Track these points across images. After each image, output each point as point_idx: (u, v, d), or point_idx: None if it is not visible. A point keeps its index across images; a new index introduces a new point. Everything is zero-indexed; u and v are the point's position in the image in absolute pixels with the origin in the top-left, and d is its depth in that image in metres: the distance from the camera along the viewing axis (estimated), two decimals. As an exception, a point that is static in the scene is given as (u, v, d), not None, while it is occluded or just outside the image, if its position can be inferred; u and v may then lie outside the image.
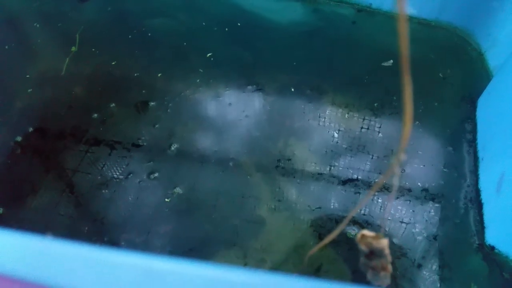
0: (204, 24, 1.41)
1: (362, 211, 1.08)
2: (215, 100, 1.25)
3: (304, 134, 1.19)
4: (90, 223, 1.06)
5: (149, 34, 1.39)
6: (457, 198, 1.09)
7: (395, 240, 1.04)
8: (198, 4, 1.46)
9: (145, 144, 1.17)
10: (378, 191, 1.11)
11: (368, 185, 1.12)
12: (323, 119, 1.22)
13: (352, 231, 1.05)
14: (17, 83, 1.28)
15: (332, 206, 1.08)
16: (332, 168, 1.14)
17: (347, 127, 1.21)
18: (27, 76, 1.29)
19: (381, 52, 1.33)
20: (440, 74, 1.31)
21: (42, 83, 1.28)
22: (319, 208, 1.08)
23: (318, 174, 1.13)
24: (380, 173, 1.13)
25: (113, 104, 1.24)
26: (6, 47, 1.35)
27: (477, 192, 1.09)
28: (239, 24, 1.42)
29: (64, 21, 1.41)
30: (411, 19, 1.40)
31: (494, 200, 1.01)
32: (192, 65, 1.32)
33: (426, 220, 1.06)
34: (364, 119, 1.22)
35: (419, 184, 1.11)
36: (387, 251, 0.49)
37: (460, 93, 1.27)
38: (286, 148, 1.17)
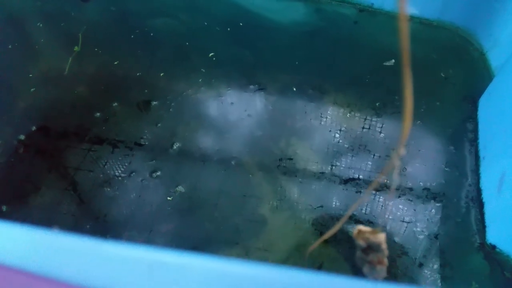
0: (206, 24, 1.42)
1: (364, 210, 1.08)
2: (217, 100, 1.26)
3: (306, 134, 1.20)
4: (93, 221, 1.07)
5: (152, 34, 1.39)
6: (458, 197, 1.09)
7: (396, 239, 1.04)
8: (200, 4, 1.46)
9: (147, 143, 1.18)
10: (379, 190, 1.11)
11: (369, 184, 1.12)
12: (325, 119, 1.22)
13: (354, 229, 1.05)
14: (20, 82, 1.29)
15: (333, 205, 1.09)
16: (334, 167, 1.14)
17: (349, 127, 1.21)
18: (30, 75, 1.30)
19: (383, 52, 1.33)
20: (442, 74, 1.31)
21: (45, 82, 1.29)
22: (321, 207, 1.08)
23: (320, 173, 1.13)
24: (382, 172, 1.13)
25: (116, 103, 1.24)
26: (10, 46, 1.35)
27: (478, 191, 1.09)
28: (241, 24, 1.42)
29: (67, 20, 1.42)
30: (413, 19, 1.41)
31: (495, 199, 1.01)
32: (194, 64, 1.33)
33: (428, 219, 1.07)
34: (365, 118, 1.22)
35: (420, 183, 1.12)
36: (384, 245, 0.50)
37: (461, 93, 1.27)
38: (288, 148, 1.17)
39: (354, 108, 1.24)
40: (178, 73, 1.31)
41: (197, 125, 1.21)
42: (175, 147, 1.17)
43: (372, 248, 0.50)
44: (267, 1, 1.46)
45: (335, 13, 1.44)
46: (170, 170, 1.13)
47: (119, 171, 1.13)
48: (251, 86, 1.28)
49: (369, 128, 1.21)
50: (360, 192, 1.10)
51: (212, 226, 1.06)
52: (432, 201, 1.09)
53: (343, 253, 1.02)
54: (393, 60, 1.32)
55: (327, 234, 0.54)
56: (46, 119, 1.22)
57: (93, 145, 1.17)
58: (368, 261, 0.51)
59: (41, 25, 1.41)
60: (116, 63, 1.33)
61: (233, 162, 1.14)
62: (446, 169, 1.14)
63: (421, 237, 1.04)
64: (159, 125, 1.21)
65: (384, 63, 1.32)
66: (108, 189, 1.10)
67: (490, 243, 1.01)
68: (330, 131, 1.20)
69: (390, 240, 1.03)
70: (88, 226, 1.06)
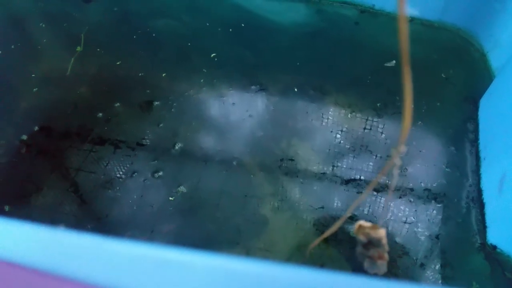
0: (207, 25, 1.42)
1: (365, 210, 1.08)
2: (219, 100, 1.26)
3: (307, 134, 1.20)
4: (94, 222, 1.07)
5: (154, 35, 1.40)
6: (459, 198, 1.10)
7: (397, 239, 1.04)
8: (201, 5, 1.47)
9: (149, 143, 1.18)
10: (380, 191, 1.11)
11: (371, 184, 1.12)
12: (326, 119, 1.23)
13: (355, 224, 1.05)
14: (23, 82, 1.29)
15: (335, 206, 1.09)
16: (335, 168, 1.15)
17: (350, 127, 1.21)
18: (33, 75, 1.30)
19: (384, 53, 1.34)
20: (443, 75, 1.31)
21: (48, 82, 1.29)
22: (322, 207, 1.09)
23: (321, 173, 1.14)
24: (382, 171, 1.14)
25: (118, 104, 1.25)
26: (12, 46, 1.36)
27: (479, 191, 1.09)
28: (242, 25, 1.42)
29: (69, 21, 1.42)
30: (414, 20, 1.41)
31: (496, 200, 1.01)
32: (196, 65, 1.33)
33: (428, 220, 1.07)
34: (367, 119, 1.23)
35: (421, 183, 1.12)
36: (384, 240, 0.50)
37: (462, 94, 1.28)
38: (289, 148, 1.18)
39: (355, 108, 1.24)
40: (180, 74, 1.31)
41: (199, 125, 1.21)
42: (177, 147, 1.17)
43: (372, 243, 0.51)
44: (269, 2, 1.47)
45: (336, 14, 1.45)
46: (172, 170, 1.13)
47: (121, 172, 1.13)
48: (253, 87, 1.28)
49: (370, 129, 1.21)
50: (362, 192, 1.11)
51: (213, 226, 1.06)
52: (433, 201, 1.09)
53: (344, 253, 1.02)
54: (394, 61, 1.32)
55: (327, 232, 0.55)
56: (48, 120, 1.22)
57: (95, 146, 1.17)
58: (369, 256, 0.52)
59: (43, 25, 1.42)
60: (118, 63, 1.33)
61: (234, 163, 1.15)
62: (447, 169, 1.14)
63: (422, 237, 1.04)
64: (161, 125, 1.21)
65: (385, 64, 1.32)
66: (110, 190, 1.11)
67: (491, 244, 1.01)
68: (331, 131, 1.20)
69: (391, 240, 1.03)
70: (89, 227, 1.06)
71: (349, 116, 1.23)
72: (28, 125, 1.21)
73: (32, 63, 1.34)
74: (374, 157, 1.16)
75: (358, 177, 1.13)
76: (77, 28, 1.40)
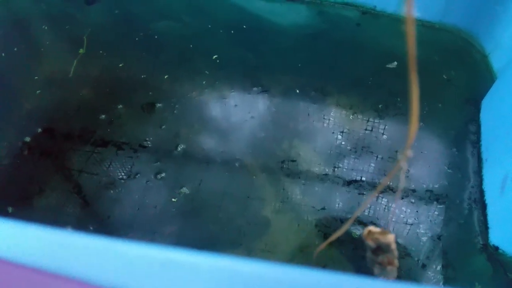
0: (209, 26, 1.43)
1: (367, 212, 1.08)
2: (221, 102, 1.27)
3: (309, 135, 1.20)
4: (97, 223, 1.07)
5: (156, 37, 1.40)
6: (461, 199, 1.10)
7: (399, 240, 1.04)
8: (203, 7, 1.47)
9: (151, 144, 1.18)
10: (383, 192, 1.11)
11: (372, 186, 1.12)
12: (328, 121, 1.23)
13: (357, 231, 1.05)
14: (26, 84, 1.30)
15: (336, 207, 1.09)
16: (337, 169, 1.15)
17: (352, 129, 1.21)
18: (36, 77, 1.31)
19: (385, 54, 1.34)
20: (444, 76, 1.31)
21: (50, 84, 1.30)
22: (324, 208, 1.09)
23: (323, 175, 1.14)
24: (384, 174, 1.14)
25: (120, 106, 1.25)
26: (15, 49, 1.37)
27: (481, 193, 1.09)
28: (244, 26, 1.43)
29: (72, 23, 1.43)
30: (415, 21, 1.41)
31: (498, 201, 1.01)
32: (198, 67, 1.34)
33: (431, 221, 1.07)
34: (368, 120, 1.23)
35: (423, 185, 1.12)
36: (393, 246, 0.50)
37: (464, 95, 1.28)
38: (291, 149, 1.18)
39: (357, 110, 1.25)
40: (182, 76, 1.32)
41: (201, 127, 1.22)
42: (179, 149, 1.17)
43: (381, 249, 0.51)
44: (270, 4, 1.47)
45: (338, 15, 1.45)
46: (174, 172, 1.14)
47: (123, 173, 1.14)
48: (255, 88, 1.29)
49: (371, 130, 1.21)
50: (363, 194, 1.11)
51: (216, 227, 1.06)
52: (435, 202, 1.09)
53: (346, 255, 1.02)
54: (396, 62, 1.32)
55: (335, 235, 0.55)
56: (51, 121, 1.23)
57: (98, 147, 1.18)
58: (378, 262, 0.52)
59: (46, 27, 1.43)
60: (120, 65, 1.34)
61: (236, 164, 1.15)
62: (449, 171, 1.14)
63: (424, 238, 1.05)
64: (163, 127, 1.22)
65: (387, 65, 1.32)
66: (112, 191, 1.11)
67: (493, 245, 1.01)
68: (333, 133, 1.21)
69: (395, 236, 1.03)
70: (92, 228, 1.07)
71: (350, 117, 1.23)
72: (31, 127, 1.21)
73: (35, 65, 1.34)
74: (376, 158, 1.17)
75: (360, 178, 1.14)
76: (79, 30, 1.40)
